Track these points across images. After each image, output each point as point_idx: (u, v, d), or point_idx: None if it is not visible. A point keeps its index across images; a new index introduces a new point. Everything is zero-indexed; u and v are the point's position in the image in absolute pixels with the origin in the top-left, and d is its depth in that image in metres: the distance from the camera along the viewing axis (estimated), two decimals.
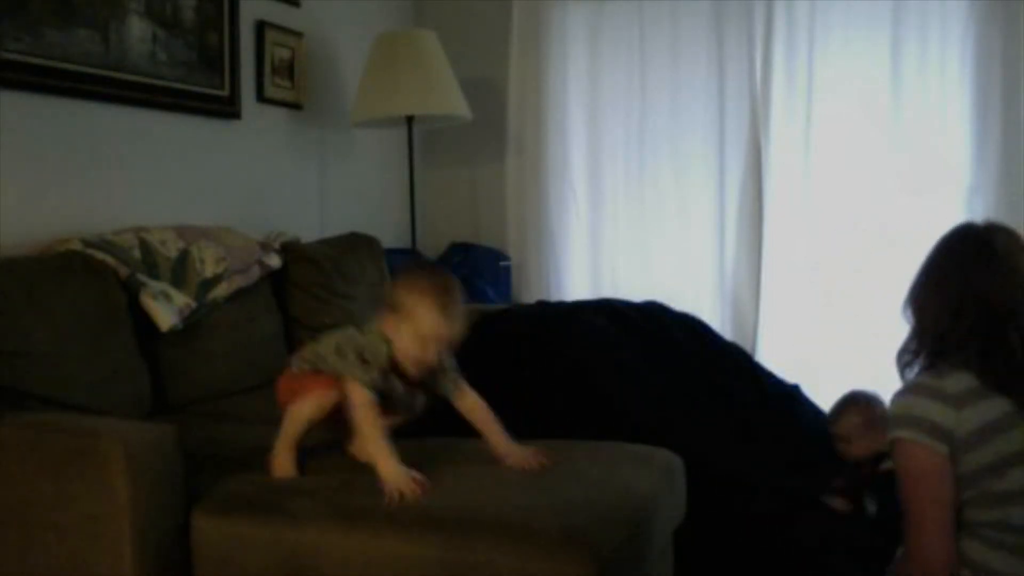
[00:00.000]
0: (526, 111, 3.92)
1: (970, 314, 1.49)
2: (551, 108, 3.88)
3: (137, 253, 2.36)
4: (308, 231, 3.29)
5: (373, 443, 1.70)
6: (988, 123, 3.25)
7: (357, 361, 1.73)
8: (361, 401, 1.71)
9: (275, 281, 2.87)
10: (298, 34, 3.41)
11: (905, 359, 1.58)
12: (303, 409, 1.78)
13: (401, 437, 1.79)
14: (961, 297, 1.51)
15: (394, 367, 1.77)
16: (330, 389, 1.76)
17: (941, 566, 1.46)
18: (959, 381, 1.46)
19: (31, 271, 2.10)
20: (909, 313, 1.60)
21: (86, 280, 2.19)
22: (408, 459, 1.68)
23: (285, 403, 1.83)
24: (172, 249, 2.45)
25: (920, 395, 1.48)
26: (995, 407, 1.45)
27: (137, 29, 2.65)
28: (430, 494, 1.63)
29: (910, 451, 1.47)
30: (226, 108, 3.03)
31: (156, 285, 2.34)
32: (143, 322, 2.29)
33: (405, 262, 1.60)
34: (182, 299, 2.38)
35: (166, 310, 2.31)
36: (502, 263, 3.97)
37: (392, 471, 1.65)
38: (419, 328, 1.71)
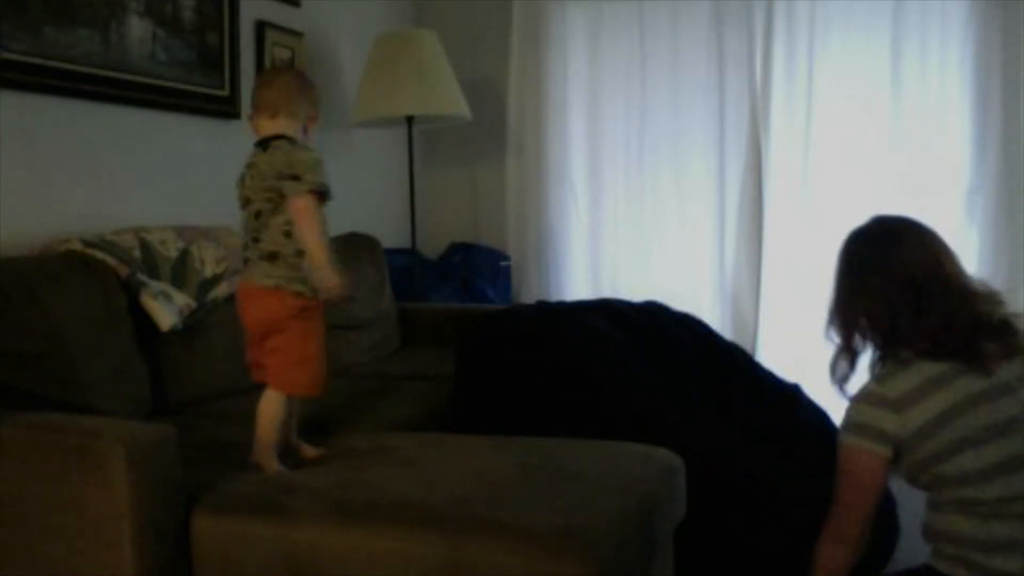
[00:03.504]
0: (526, 111, 3.92)
1: (906, 295, 1.55)
2: (551, 108, 3.89)
3: (137, 253, 2.36)
4: None
5: (319, 244, 1.79)
6: (988, 123, 3.26)
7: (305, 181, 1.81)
8: (309, 206, 1.81)
9: None
10: (298, 34, 3.41)
11: (840, 373, 1.64)
12: (276, 410, 1.85)
13: (403, 430, 1.79)
14: (890, 285, 1.56)
15: None
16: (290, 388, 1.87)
17: (850, 549, 1.59)
18: (900, 384, 1.53)
19: (31, 271, 2.10)
20: (837, 327, 1.65)
21: (86, 280, 2.19)
22: (409, 453, 1.68)
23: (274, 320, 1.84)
24: (172, 249, 2.45)
25: (865, 402, 1.56)
26: (939, 401, 1.50)
27: (137, 29, 2.65)
28: (431, 492, 1.63)
29: (854, 456, 1.56)
30: (226, 108, 3.03)
31: (156, 285, 2.34)
32: (143, 322, 2.29)
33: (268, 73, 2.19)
34: (182, 299, 2.38)
35: (166, 310, 2.32)
36: (502, 263, 3.98)
37: (329, 272, 1.78)
38: (311, 112, 1.92)
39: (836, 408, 2.66)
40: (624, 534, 1.53)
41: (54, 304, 2.07)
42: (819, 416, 2.64)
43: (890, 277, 1.57)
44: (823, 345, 1.71)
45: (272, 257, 1.83)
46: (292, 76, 1.99)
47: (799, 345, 3.46)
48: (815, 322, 3.48)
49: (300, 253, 1.82)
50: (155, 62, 2.72)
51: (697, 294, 3.65)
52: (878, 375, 1.58)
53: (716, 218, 3.67)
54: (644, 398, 2.37)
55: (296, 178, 1.79)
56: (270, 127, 1.89)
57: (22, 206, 2.34)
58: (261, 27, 3.22)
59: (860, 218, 1.62)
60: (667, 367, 2.56)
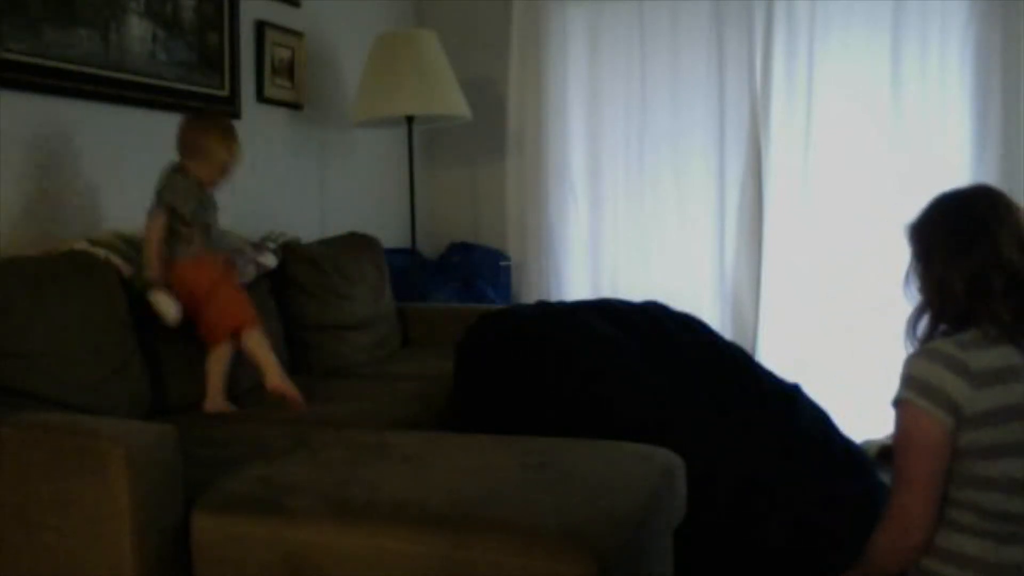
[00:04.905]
0: (526, 111, 3.92)
1: (1001, 275, 1.46)
2: (551, 108, 3.89)
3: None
4: (308, 231, 3.29)
5: (151, 252, 2.27)
6: (988, 123, 3.26)
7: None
8: (154, 224, 2.29)
9: (275, 281, 2.87)
10: (298, 34, 3.41)
11: (921, 332, 1.54)
12: (222, 355, 2.38)
13: (403, 429, 1.79)
14: (989, 259, 1.47)
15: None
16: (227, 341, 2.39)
17: (918, 536, 1.46)
18: (984, 358, 1.43)
19: (32, 271, 2.09)
20: (925, 286, 1.55)
21: (87, 280, 2.19)
22: (409, 452, 1.69)
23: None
24: None
25: (940, 364, 1.44)
26: (1009, 394, 1.42)
27: (137, 29, 2.65)
28: (431, 491, 1.63)
29: (917, 418, 1.44)
30: (226, 108, 3.03)
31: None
32: (143, 322, 2.29)
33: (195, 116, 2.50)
34: None
35: (173, 303, 2.29)
36: (502, 263, 3.98)
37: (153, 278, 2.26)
38: (214, 161, 2.38)
39: (836, 408, 2.68)
40: (624, 534, 1.53)
41: (54, 304, 2.07)
42: (819, 417, 2.63)
43: (996, 248, 1.47)
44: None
45: None
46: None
47: (799, 345, 3.47)
48: (815, 322, 3.51)
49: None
50: (155, 62, 2.72)
51: (697, 294, 3.65)
52: (960, 340, 1.45)
53: (716, 218, 3.67)
54: (644, 398, 2.37)
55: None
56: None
57: (22, 206, 2.35)
58: (261, 27, 3.22)
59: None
60: (667, 367, 2.55)
